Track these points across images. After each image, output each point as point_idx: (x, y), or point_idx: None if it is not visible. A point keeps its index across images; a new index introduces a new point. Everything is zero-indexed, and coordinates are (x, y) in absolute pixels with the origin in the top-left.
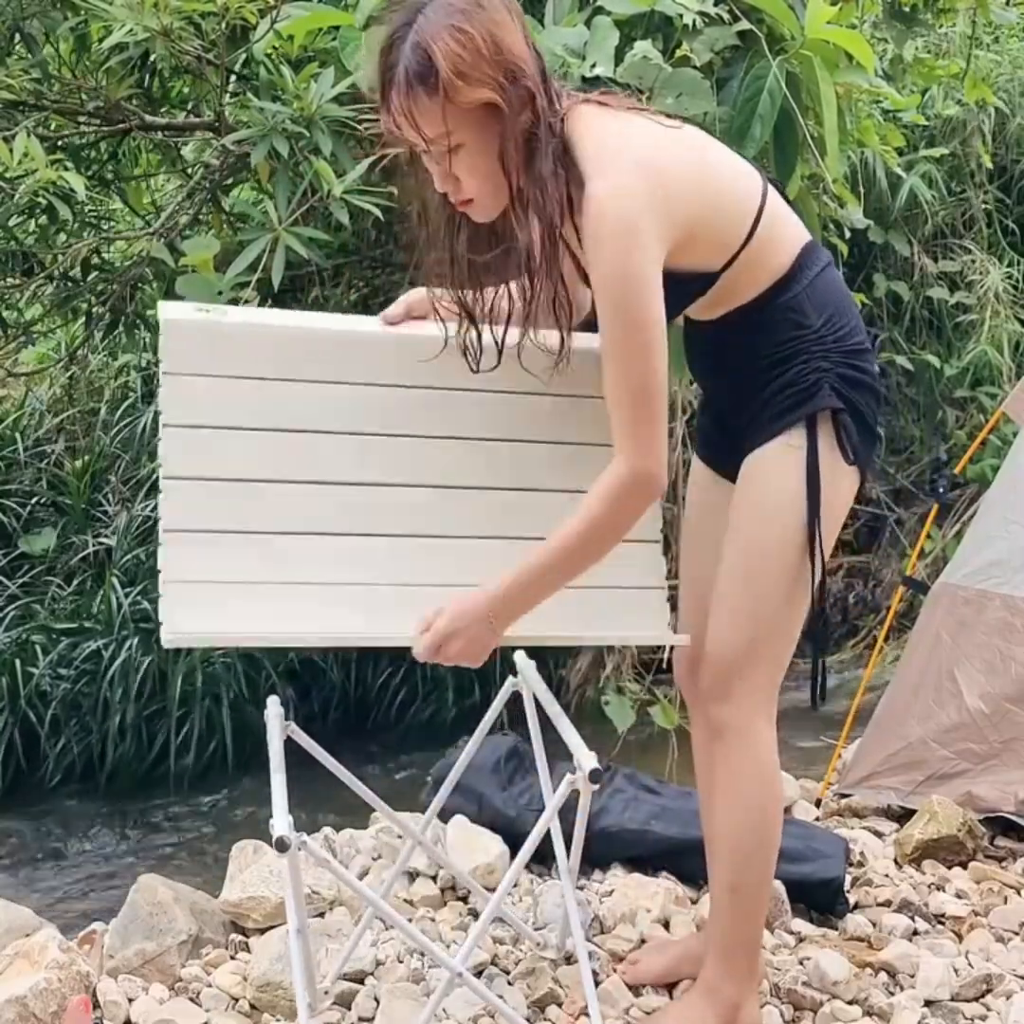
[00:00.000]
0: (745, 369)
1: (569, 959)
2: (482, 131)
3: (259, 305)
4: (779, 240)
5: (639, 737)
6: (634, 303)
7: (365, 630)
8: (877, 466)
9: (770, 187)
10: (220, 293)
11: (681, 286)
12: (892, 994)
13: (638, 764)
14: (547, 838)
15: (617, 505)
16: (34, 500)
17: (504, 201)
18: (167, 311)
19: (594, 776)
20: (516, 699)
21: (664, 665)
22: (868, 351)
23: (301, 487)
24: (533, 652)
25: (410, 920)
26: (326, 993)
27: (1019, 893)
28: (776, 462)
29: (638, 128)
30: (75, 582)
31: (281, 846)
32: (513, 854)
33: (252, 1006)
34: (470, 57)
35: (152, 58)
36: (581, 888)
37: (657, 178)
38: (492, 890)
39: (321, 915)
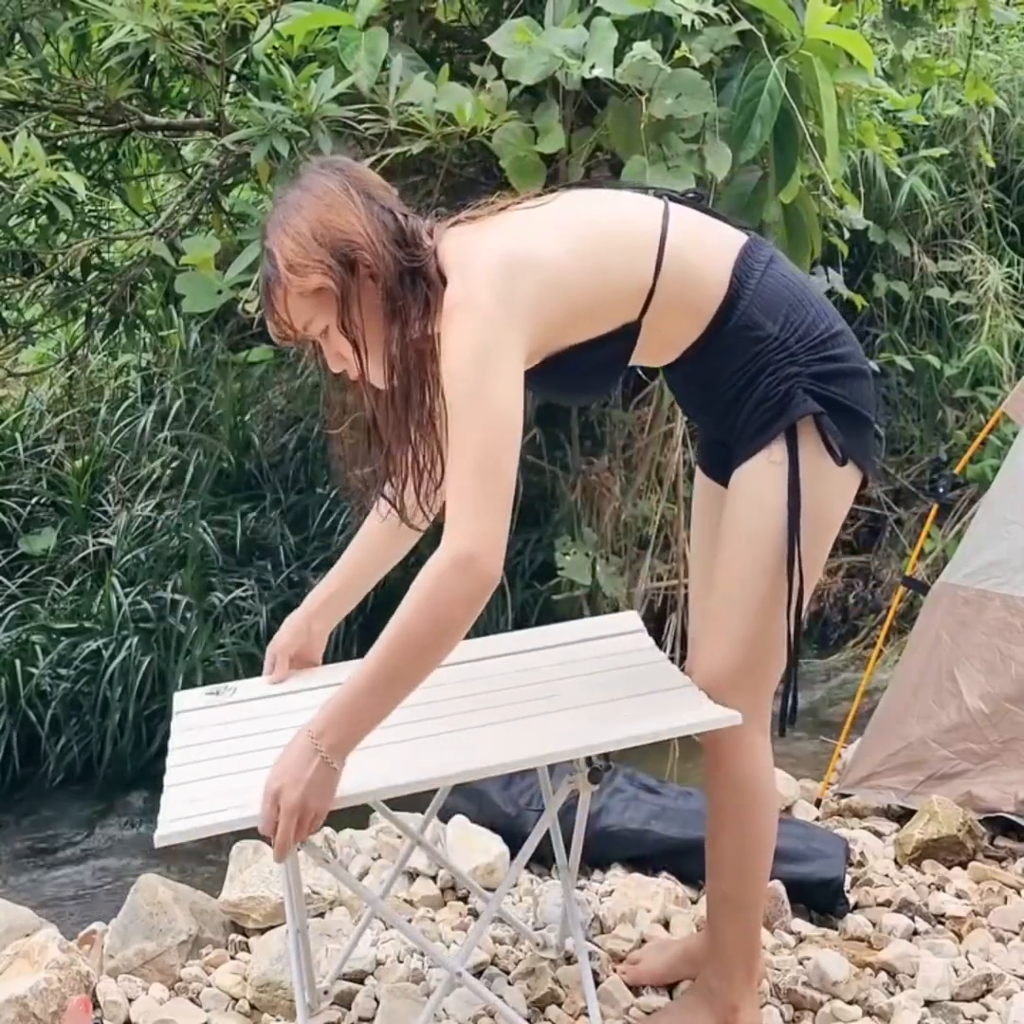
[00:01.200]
0: (719, 397)
1: (569, 959)
2: (333, 311)
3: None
4: (700, 268)
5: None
6: (482, 377)
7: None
8: (878, 455)
9: (676, 209)
10: (220, 292)
11: (607, 347)
12: (892, 994)
13: (638, 764)
14: (547, 838)
15: (439, 587)
16: (34, 500)
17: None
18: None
19: (593, 776)
20: None
21: None
22: (838, 334)
23: None
24: None
25: (410, 920)
26: (325, 993)
27: (1019, 893)
28: (758, 479)
29: (494, 231)
30: (75, 582)
31: None
32: (513, 854)
33: (252, 1006)
34: (299, 248)
35: (152, 58)
36: (581, 888)
37: (510, 271)
38: (492, 890)
39: (321, 915)
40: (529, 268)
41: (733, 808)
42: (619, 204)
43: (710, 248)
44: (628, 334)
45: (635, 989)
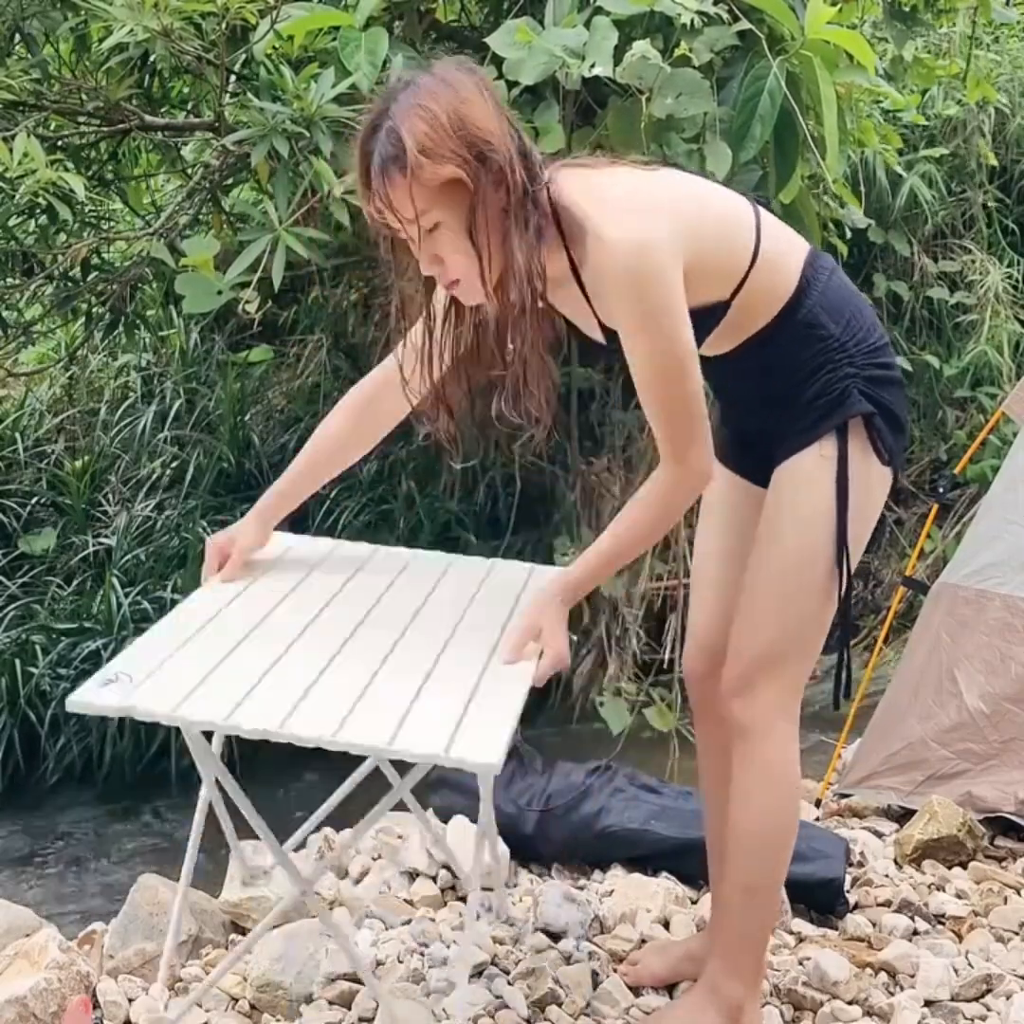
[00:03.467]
0: (772, 390)
1: (569, 960)
2: (456, 208)
3: (259, 306)
4: (782, 258)
5: (639, 738)
6: (666, 334)
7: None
8: (904, 460)
9: (760, 208)
10: (220, 293)
11: (696, 321)
12: (892, 994)
13: (638, 764)
14: (547, 838)
15: (666, 503)
16: (34, 500)
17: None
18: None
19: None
20: None
21: (664, 665)
22: (887, 346)
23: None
24: None
25: (409, 921)
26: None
27: (1019, 893)
28: (810, 472)
29: (624, 177)
30: (75, 582)
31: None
32: (514, 854)
33: (252, 1006)
34: (434, 134)
35: (152, 58)
36: (581, 888)
37: (659, 216)
38: (490, 890)
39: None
40: (668, 212)
41: (758, 793)
42: (723, 191)
43: (787, 245)
44: (715, 312)
45: (635, 989)
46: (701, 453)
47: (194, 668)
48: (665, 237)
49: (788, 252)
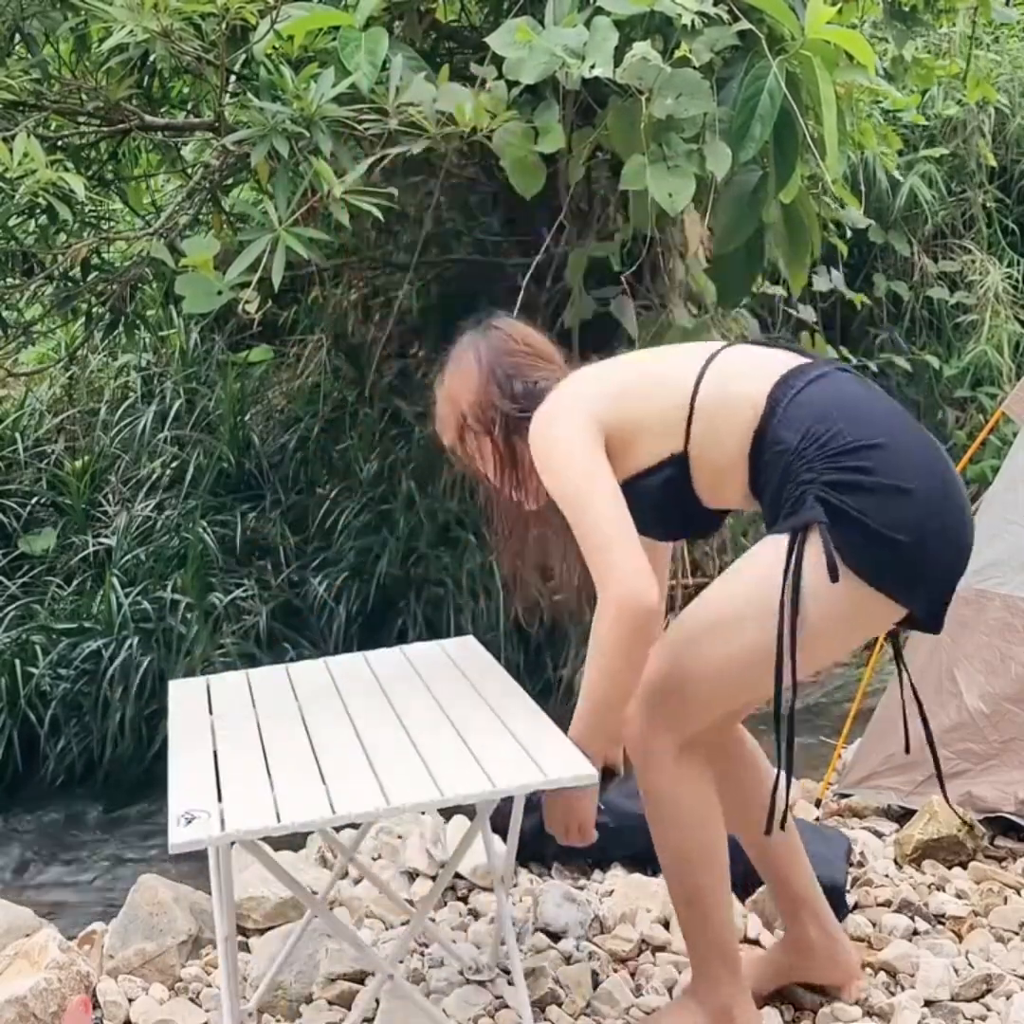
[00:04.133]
0: (770, 502)
1: (569, 960)
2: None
3: (259, 306)
4: (740, 393)
5: None
6: (560, 472)
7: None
8: (933, 590)
9: (731, 351)
10: (220, 293)
11: (663, 475)
12: (892, 994)
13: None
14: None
15: (609, 641)
16: (34, 500)
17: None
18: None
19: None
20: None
21: None
22: (863, 448)
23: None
24: (533, 652)
25: (408, 921)
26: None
27: (1019, 893)
28: (762, 545)
29: (569, 380)
30: (75, 582)
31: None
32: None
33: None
34: (441, 407)
35: (152, 58)
36: (581, 888)
37: (575, 398)
38: (489, 890)
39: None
40: (589, 393)
41: (655, 818)
42: (673, 360)
43: (753, 376)
44: (678, 462)
45: (636, 990)
46: (624, 573)
47: (253, 784)
48: (568, 405)
49: (751, 382)
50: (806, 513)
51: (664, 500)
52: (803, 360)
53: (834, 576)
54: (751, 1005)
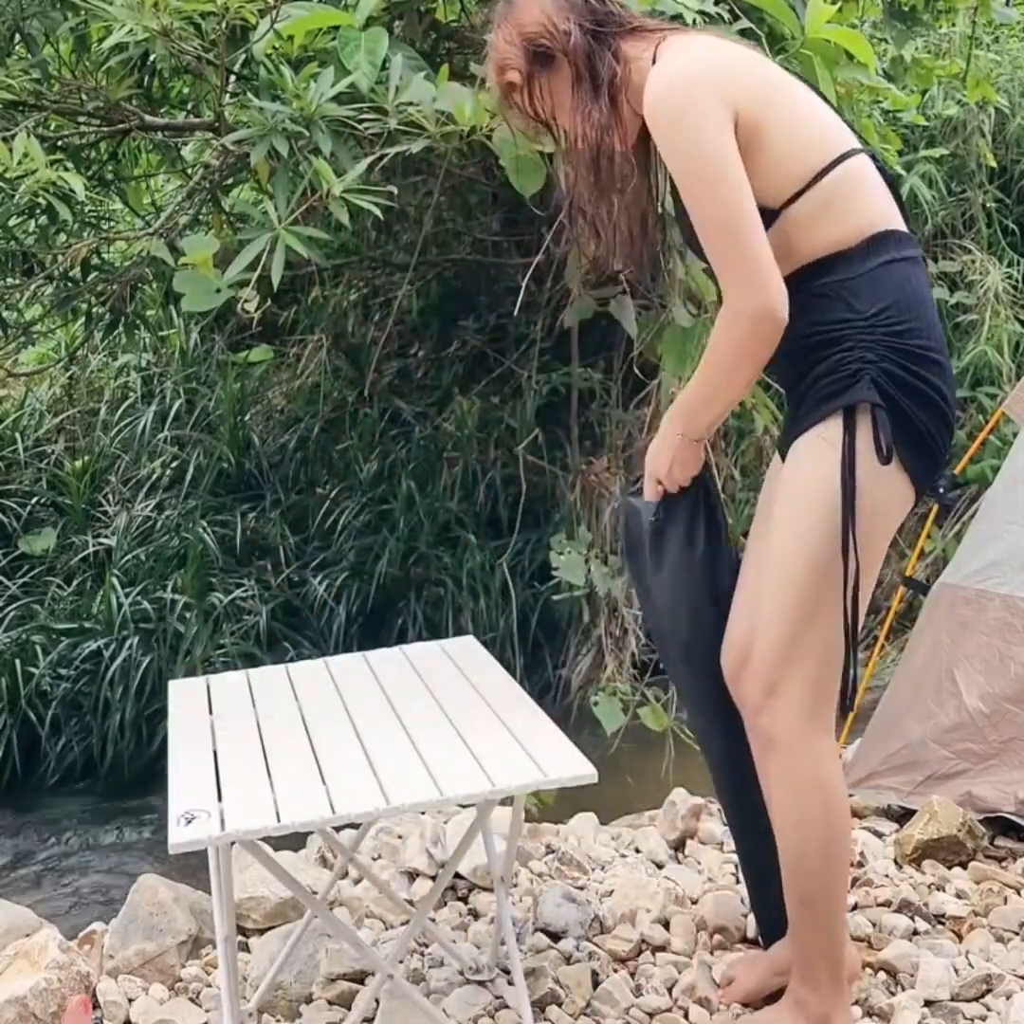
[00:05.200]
0: (793, 346)
1: (569, 960)
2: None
3: (259, 306)
4: (851, 207)
5: (636, 737)
6: (698, 148)
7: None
8: (937, 482)
9: (867, 161)
10: (219, 292)
11: None
12: (892, 994)
13: (636, 764)
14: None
15: (734, 336)
16: (34, 500)
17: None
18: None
19: None
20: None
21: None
22: (931, 361)
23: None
24: (533, 652)
25: (408, 921)
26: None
27: (1019, 893)
28: (810, 456)
29: (716, 40)
30: (75, 582)
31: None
32: None
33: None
34: (499, 55)
35: (152, 58)
36: (581, 888)
37: (719, 62)
38: (489, 890)
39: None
40: (737, 68)
41: (792, 807)
42: (826, 115)
43: (870, 203)
44: (763, 216)
45: (636, 990)
46: (758, 280)
47: (254, 784)
48: (704, 72)
49: (863, 210)
50: (860, 392)
51: None
52: (905, 223)
53: (883, 459)
54: (849, 1012)
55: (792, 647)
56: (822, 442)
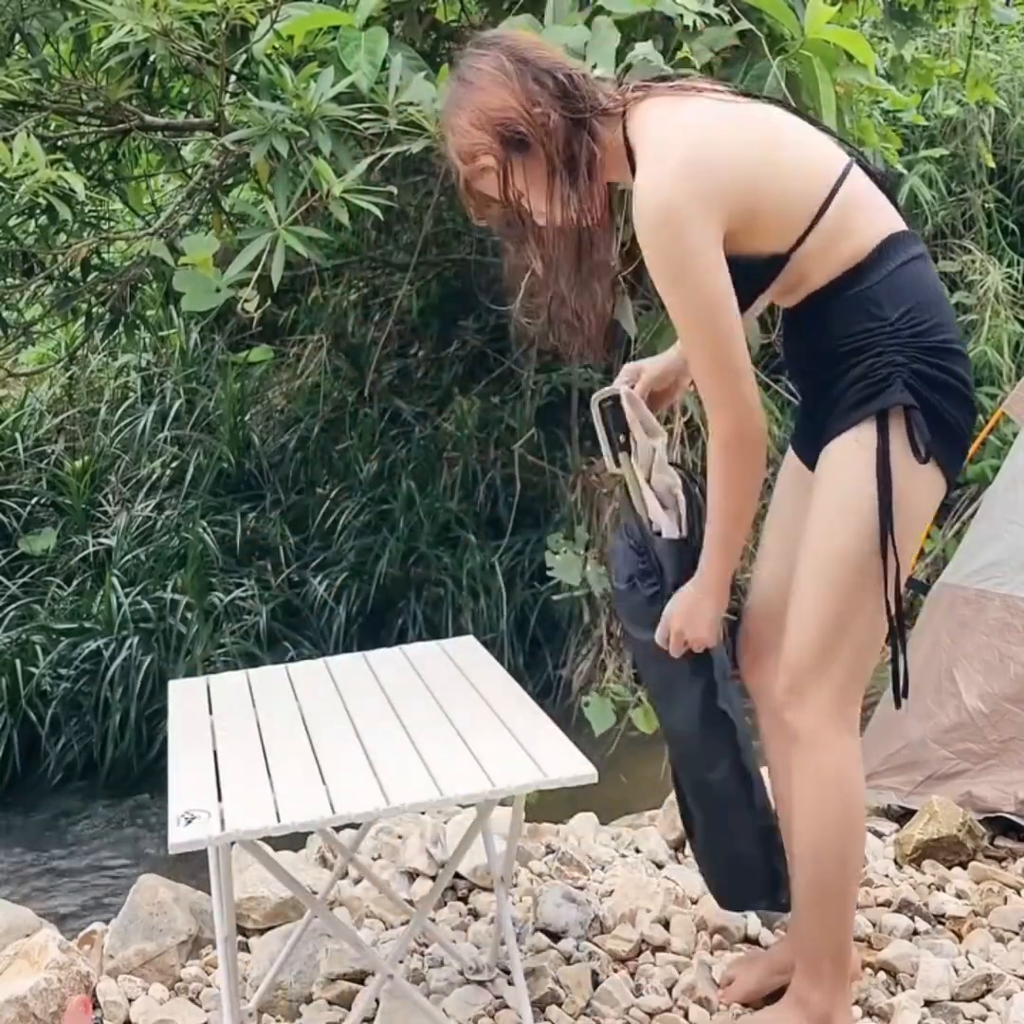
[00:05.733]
0: (820, 358)
1: (569, 960)
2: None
3: (259, 306)
4: (857, 226)
5: (639, 737)
6: (688, 281)
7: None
8: (961, 471)
9: (856, 172)
10: (219, 291)
11: (752, 270)
12: (892, 994)
13: (636, 764)
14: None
15: (727, 464)
16: (34, 500)
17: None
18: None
19: None
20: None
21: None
22: (955, 352)
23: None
24: (533, 652)
25: (408, 921)
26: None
27: (1019, 893)
28: (845, 459)
29: (690, 113)
30: (75, 582)
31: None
32: None
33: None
34: (463, 140)
35: (152, 58)
36: (581, 888)
37: (701, 163)
38: (489, 890)
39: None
40: (720, 160)
41: (814, 803)
42: (814, 143)
43: (872, 216)
44: (773, 264)
45: (636, 990)
46: (743, 407)
47: (254, 784)
48: (691, 187)
49: (870, 222)
50: (894, 396)
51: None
52: (903, 224)
53: (922, 458)
54: (849, 1011)
55: (825, 649)
56: (856, 445)
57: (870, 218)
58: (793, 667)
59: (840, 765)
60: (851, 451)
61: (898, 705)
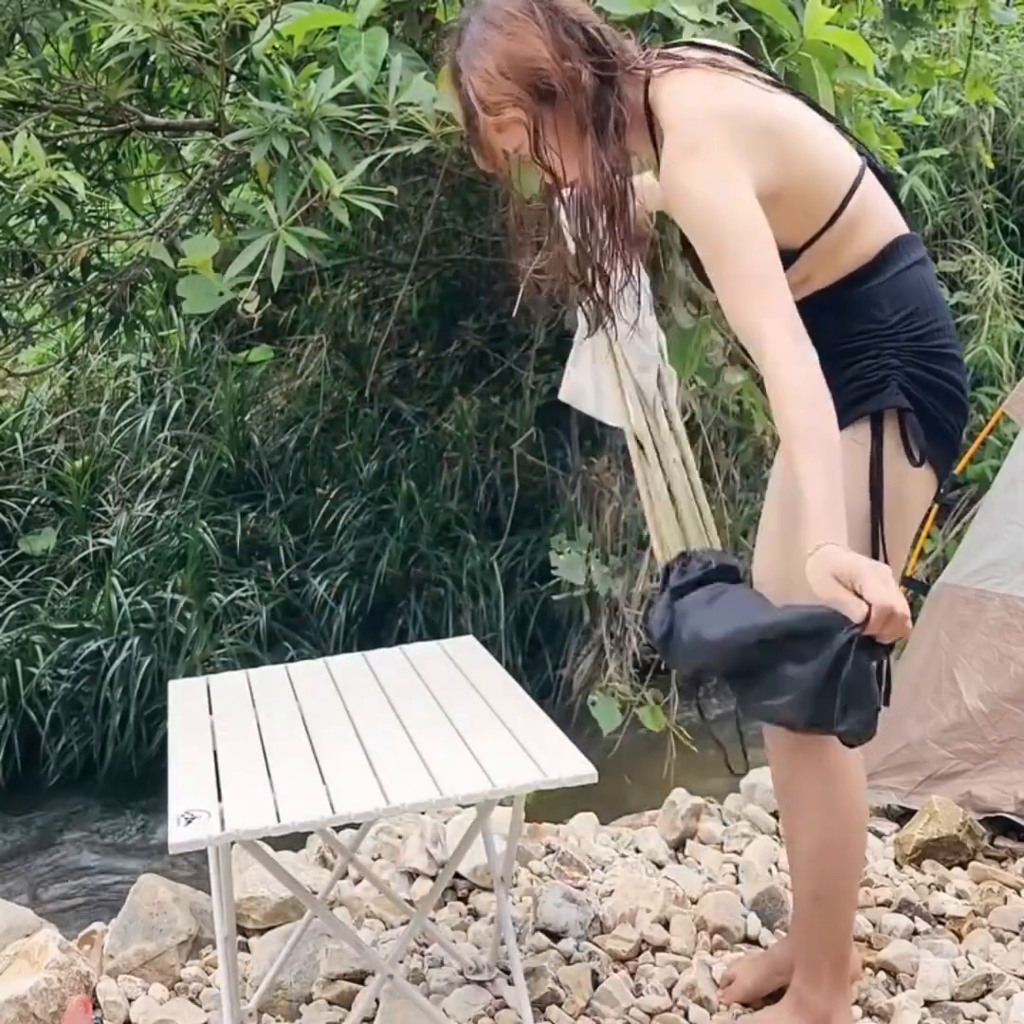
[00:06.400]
0: (822, 353)
1: (569, 960)
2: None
3: (259, 306)
4: (866, 227)
5: (639, 737)
6: (720, 203)
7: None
8: (951, 474)
9: (868, 172)
10: (220, 294)
11: None
12: (892, 994)
13: (636, 764)
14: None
15: (788, 385)
16: (34, 500)
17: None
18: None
19: None
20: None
21: (663, 666)
22: (951, 357)
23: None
24: (533, 652)
25: (408, 921)
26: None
27: (1019, 893)
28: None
29: (728, 85)
30: (75, 582)
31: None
32: None
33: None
34: (489, 87)
35: (152, 58)
36: (581, 888)
37: (738, 118)
38: (489, 890)
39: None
40: (755, 126)
41: (810, 804)
42: (833, 138)
43: (880, 219)
44: (782, 259)
45: (636, 990)
46: (790, 327)
47: (254, 784)
48: (726, 127)
49: (875, 227)
50: (889, 398)
51: None
52: (907, 228)
53: (916, 462)
54: (849, 1012)
55: None
56: (853, 443)
57: (879, 221)
58: None
59: (839, 764)
60: (847, 449)
61: (886, 703)
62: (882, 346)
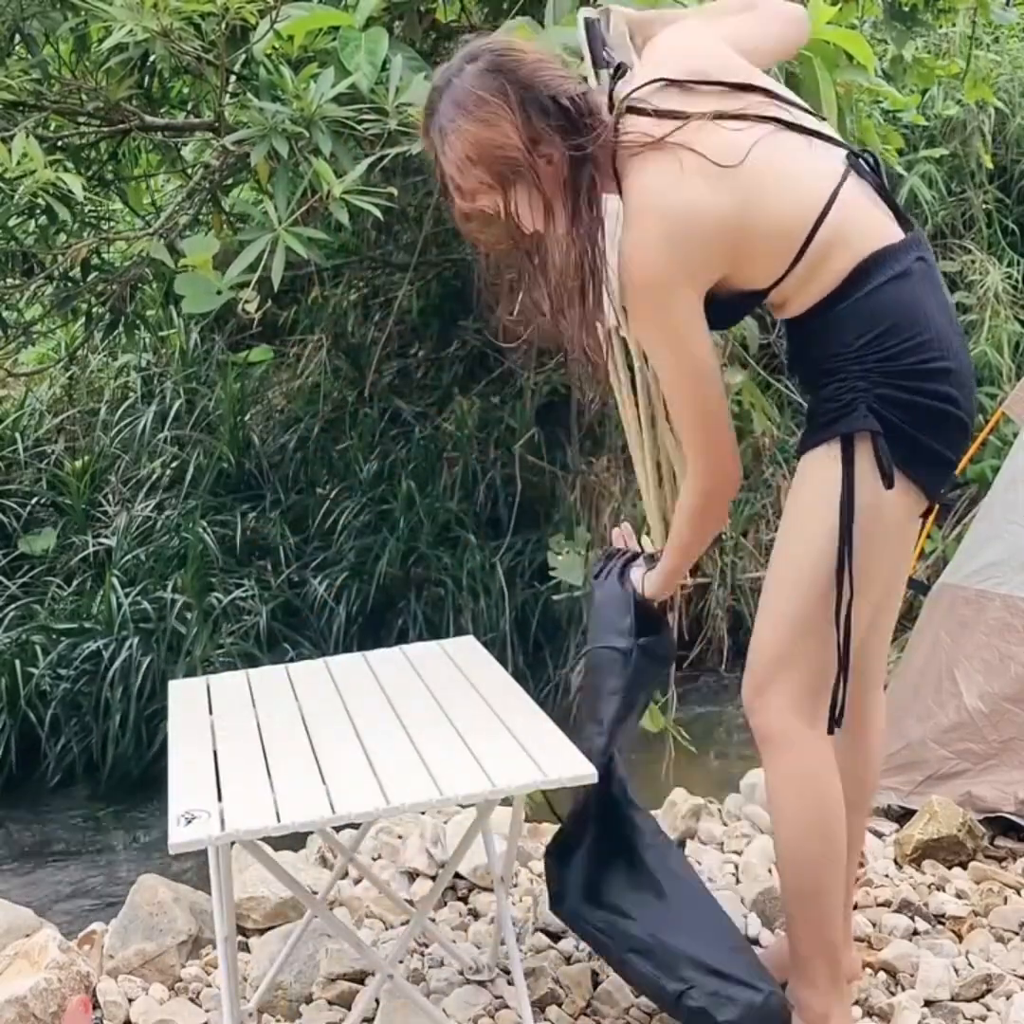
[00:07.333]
0: (805, 365)
1: (569, 960)
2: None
3: (259, 306)
4: (841, 251)
5: (638, 738)
6: (674, 347)
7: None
8: (943, 492)
9: (850, 182)
10: (220, 293)
11: (729, 304)
12: (892, 994)
13: (636, 764)
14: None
15: (699, 518)
16: (34, 500)
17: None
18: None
19: None
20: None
21: None
22: (937, 371)
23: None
24: (533, 652)
25: (408, 921)
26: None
27: (1019, 893)
28: (816, 467)
29: (687, 181)
30: (75, 582)
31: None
32: None
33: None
34: (460, 173)
35: (152, 58)
36: None
37: (684, 231)
38: (489, 890)
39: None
40: (698, 228)
41: (785, 803)
42: (801, 160)
43: (857, 235)
44: (751, 297)
45: (635, 990)
46: (723, 468)
47: (254, 783)
48: (672, 255)
49: (849, 249)
50: (857, 422)
51: (717, 313)
52: (899, 234)
53: (887, 484)
54: (848, 1011)
55: (785, 652)
56: (828, 459)
57: (854, 241)
58: (756, 669)
59: (811, 763)
60: (822, 463)
61: (830, 731)
62: (849, 369)
